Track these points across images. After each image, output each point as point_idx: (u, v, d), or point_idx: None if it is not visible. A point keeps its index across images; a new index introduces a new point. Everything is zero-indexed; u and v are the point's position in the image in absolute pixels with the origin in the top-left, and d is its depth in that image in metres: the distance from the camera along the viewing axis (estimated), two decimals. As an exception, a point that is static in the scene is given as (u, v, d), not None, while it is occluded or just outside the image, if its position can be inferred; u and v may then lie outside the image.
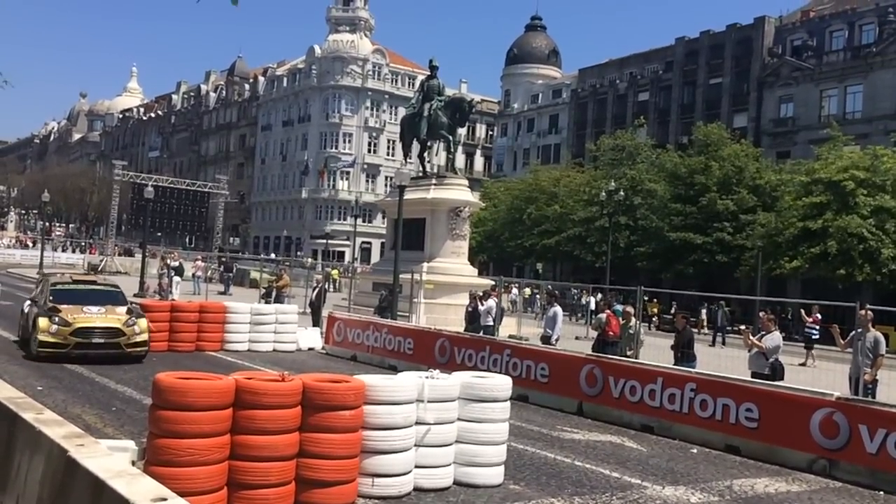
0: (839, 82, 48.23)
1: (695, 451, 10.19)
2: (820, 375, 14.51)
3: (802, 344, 23.18)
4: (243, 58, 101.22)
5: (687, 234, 42.69)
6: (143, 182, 46.90)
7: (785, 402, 10.01)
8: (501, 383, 7.97)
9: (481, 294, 19.68)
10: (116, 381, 12.02)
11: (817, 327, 23.84)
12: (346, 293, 28.98)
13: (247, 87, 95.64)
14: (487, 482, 7.53)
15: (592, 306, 30.30)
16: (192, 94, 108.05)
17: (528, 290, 39.50)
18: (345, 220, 75.61)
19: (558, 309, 17.64)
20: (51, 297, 14.23)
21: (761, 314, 14.40)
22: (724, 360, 14.90)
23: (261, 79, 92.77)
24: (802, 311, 24.52)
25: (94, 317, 13.84)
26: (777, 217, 38.57)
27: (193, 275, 34.59)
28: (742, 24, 55.10)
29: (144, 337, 14.11)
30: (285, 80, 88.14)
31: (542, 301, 32.34)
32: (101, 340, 13.62)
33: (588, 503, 7.39)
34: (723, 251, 41.94)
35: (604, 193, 42.14)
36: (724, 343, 26.79)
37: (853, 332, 11.69)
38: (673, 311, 32.74)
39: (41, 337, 13.36)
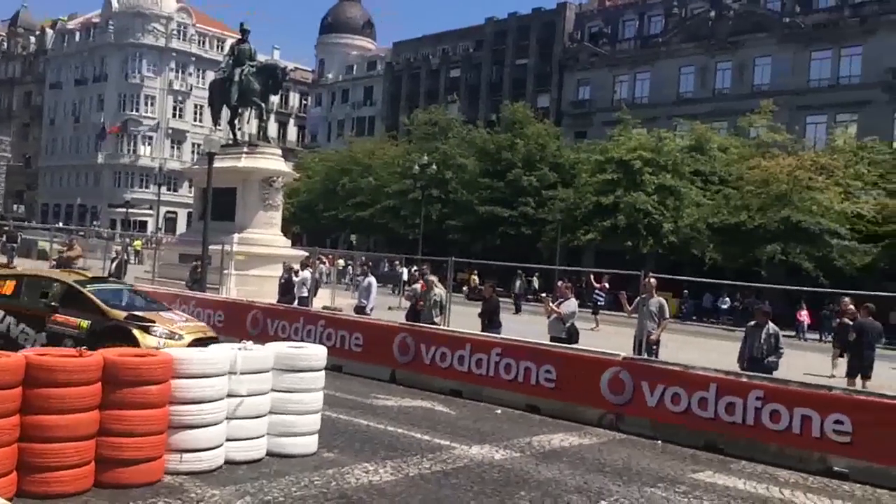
0: (630, 69, 52.15)
1: (499, 411, 10.80)
2: (609, 338, 15.84)
3: (591, 310, 25.02)
4: (28, 7, 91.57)
5: (495, 207, 44.59)
6: None
7: (579, 362, 10.87)
8: (316, 353, 7.99)
9: (297, 268, 19.44)
10: None
11: (604, 294, 25.91)
12: (149, 265, 27.44)
13: (32, 39, 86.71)
14: (301, 451, 7.56)
15: (405, 277, 30.91)
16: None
17: (342, 262, 39.46)
18: (147, 188, 71.20)
19: (372, 279, 17.85)
20: (102, 300, 10.81)
21: (559, 283, 15.44)
22: (527, 325, 15.86)
23: (49, 31, 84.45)
24: (592, 278, 26.53)
25: (192, 326, 11.14)
26: (574, 193, 41.30)
27: (-31, 246, 31.14)
28: (546, 8, 57.91)
29: None
30: (78, 34, 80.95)
31: (356, 272, 32.49)
32: None
33: (400, 466, 7.65)
34: (527, 224, 44.28)
35: (417, 167, 42.87)
36: (519, 310, 28.32)
37: (638, 297, 12.88)
38: (472, 279, 34.25)
39: None
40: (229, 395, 6.99)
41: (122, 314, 10.58)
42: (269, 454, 7.40)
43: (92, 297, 10.85)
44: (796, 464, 8.81)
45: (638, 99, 50.71)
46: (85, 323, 10.51)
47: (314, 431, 7.79)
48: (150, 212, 67.79)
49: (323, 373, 7.99)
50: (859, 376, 13.80)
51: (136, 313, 10.70)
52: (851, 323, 15.04)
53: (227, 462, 6.99)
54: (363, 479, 7.09)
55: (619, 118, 43.01)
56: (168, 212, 71.52)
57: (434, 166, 43.85)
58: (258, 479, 6.78)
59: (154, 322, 10.49)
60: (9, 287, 11.48)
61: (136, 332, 10.21)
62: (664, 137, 39.71)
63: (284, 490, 6.55)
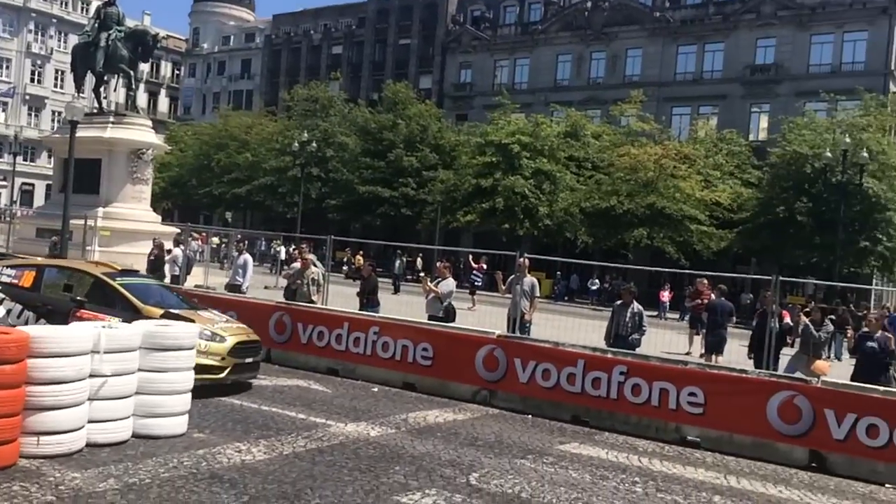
0: (510, 54, 53.09)
1: (375, 389, 10.88)
2: (485, 317, 16.21)
3: (468, 290, 25.53)
4: None
5: (375, 187, 44.47)
6: None
7: (456, 340, 11.10)
8: (185, 331, 7.79)
9: (170, 245, 18.68)
10: None
11: (481, 275, 26.45)
12: (2, 240, 25.63)
13: None
14: (169, 432, 7.36)
15: (283, 256, 30.36)
16: None
17: (216, 240, 38.25)
18: (1, 157, 66.22)
19: (248, 257, 17.46)
20: (135, 296, 9.77)
21: (438, 263, 15.64)
22: (406, 305, 15.97)
23: None
24: (470, 258, 27.07)
25: (234, 328, 10.14)
26: (455, 175, 41.79)
27: None
28: (430, -11, 57.89)
29: None
30: (-81, -14, 73.59)
31: (231, 250, 31.60)
32: (251, 360, 10.01)
33: (274, 444, 7.58)
34: (407, 205, 44.45)
35: (296, 144, 42.17)
36: (398, 290, 28.54)
37: (512, 277, 13.25)
38: (357, 259, 34.15)
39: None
40: (91, 375, 6.70)
41: (157, 311, 9.53)
42: (136, 436, 7.16)
43: (123, 291, 9.80)
44: (654, 434, 9.40)
45: (517, 84, 51.70)
46: (115, 320, 9.27)
47: (184, 412, 7.60)
48: (4, 183, 63.15)
49: (193, 351, 7.81)
50: (714, 352, 14.82)
51: (173, 311, 9.67)
52: (705, 303, 16.10)
53: (89, 444, 6.71)
54: (235, 458, 6.98)
55: (499, 102, 43.75)
56: (24, 183, 66.77)
57: (314, 144, 43.23)
58: (122, 461, 6.54)
59: (193, 321, 9.37)
60: (27, 279, 10.28)
61: None
62: (541, 123, 40.75)
63: (151, 472, 6.35)
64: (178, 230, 22.25)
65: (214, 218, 58.22)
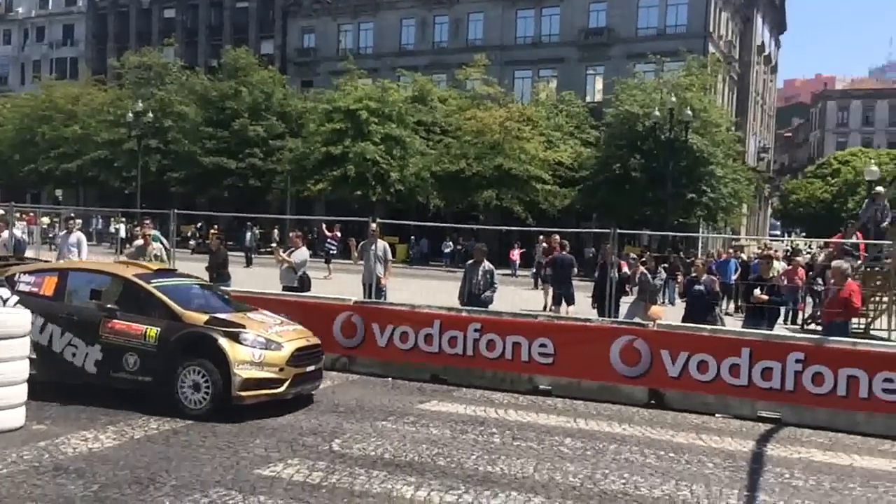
0: (353, 18, 52.31)
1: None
2: (342, 285, 16.17)
3: (323, 259, 25.32)
4: None
5: (220, 158, 42.81)
6: None
7: (312, 310, 10.97)
8: (16, 318, 7.25)
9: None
10: None
11: (336, 243, 26.26)
12: None
13: None
14: (5, 426, 6.91)
15: (123, 234, 28.77)
16: None
17: (46, 219, 35.57)
18: None
19: (81, 235, 16.32)
20: (177, 302, 8.37)
21: (291, 234, 15.38)
22: (259, 277, 15.64)
23: None
24: (323, 227, 26.78)
25: (290, 331, 8.70)
26: (303, 143, 40.96)
27: None
28: (266, -50, 55.72)
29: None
30: None
31: (62, 229, 29.54)
32: (312, 368, 8.63)
33: (124, 430, 7.28)
34: (255, 175, 43.17)
35: (131, 114, 39.73)
36: (250, 263, 27.90)
37: (362, 242, 13.26)
38: (210, 234, 32.97)
39: (244, 373, 7.86)
40: None
41: (201, 317, 8.27)
42: (-34, 434, 6.63)
43: (160, 295, 8.45)
44: (509, 386, 9.81)
45: (363, 49, 51.06)
46: (153, 330, 8.15)
47: (20, 403, 7.13)
48: None
49: (27, 339, 7.31)
50: (564, 304, 15.58)
51: (219, 316, 8.43)
52: (547, 258, 16.89)
53: (-89, 448, 6.15)
54: (81, 447, 6.65)
55: (344, 68, 43.11)
56: None
57: (150, 114, 40.87)
58: (-47, 462, 6.06)
59: (243, 327, 8.27)
60: (49, 286, 8.75)
61: (222, 340, 7.98)
62: (388, 88, 40.60)
63: (-13, 470, 5.93)
64: (2, 210, 20.46)
65: (43, 196, 54.14)
